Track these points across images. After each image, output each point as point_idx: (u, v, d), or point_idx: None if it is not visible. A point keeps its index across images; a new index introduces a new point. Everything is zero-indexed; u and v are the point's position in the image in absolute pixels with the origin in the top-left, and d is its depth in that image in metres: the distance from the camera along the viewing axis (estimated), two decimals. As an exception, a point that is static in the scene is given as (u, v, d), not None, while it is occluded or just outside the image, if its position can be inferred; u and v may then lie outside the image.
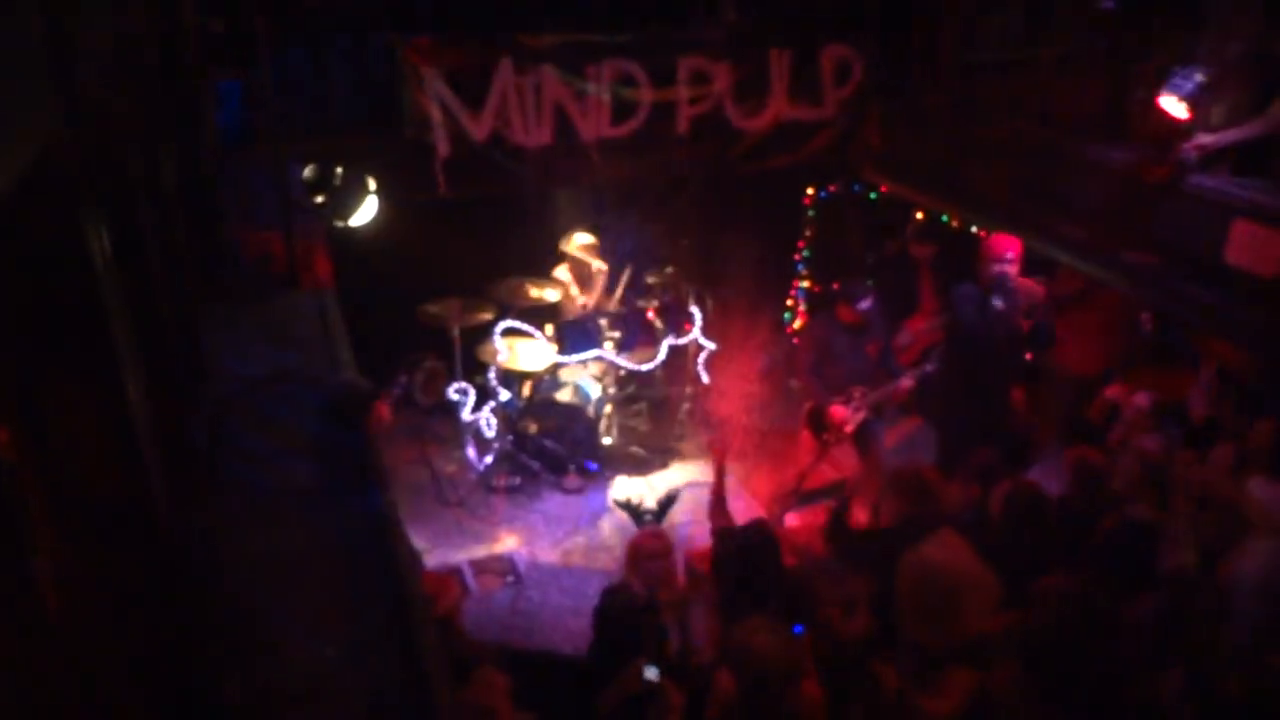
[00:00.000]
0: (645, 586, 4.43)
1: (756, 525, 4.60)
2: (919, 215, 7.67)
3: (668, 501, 4.73)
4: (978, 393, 6.16)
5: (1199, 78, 4.82)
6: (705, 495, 6.99)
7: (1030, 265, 7.78)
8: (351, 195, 5.55)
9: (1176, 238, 4.95)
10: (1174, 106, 4.93)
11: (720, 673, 3.65)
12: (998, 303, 5.97)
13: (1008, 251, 5.98)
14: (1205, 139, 4.82)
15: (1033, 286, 6.53)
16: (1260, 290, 4.45)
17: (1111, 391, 6.14)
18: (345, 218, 5.69)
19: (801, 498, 6.73)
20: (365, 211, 5.78)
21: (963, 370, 6.21)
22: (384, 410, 3.75)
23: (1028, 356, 7.58)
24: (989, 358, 6.11)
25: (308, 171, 5.47)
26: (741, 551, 4.32)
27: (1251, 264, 4.48)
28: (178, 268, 3.55)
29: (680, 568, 6.09)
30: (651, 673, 3.49)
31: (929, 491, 4.43)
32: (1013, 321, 6.15)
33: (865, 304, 6.34)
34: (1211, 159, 4.87)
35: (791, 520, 6.61)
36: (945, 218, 7.30)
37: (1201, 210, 4.78)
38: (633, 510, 4.74)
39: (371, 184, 5.75)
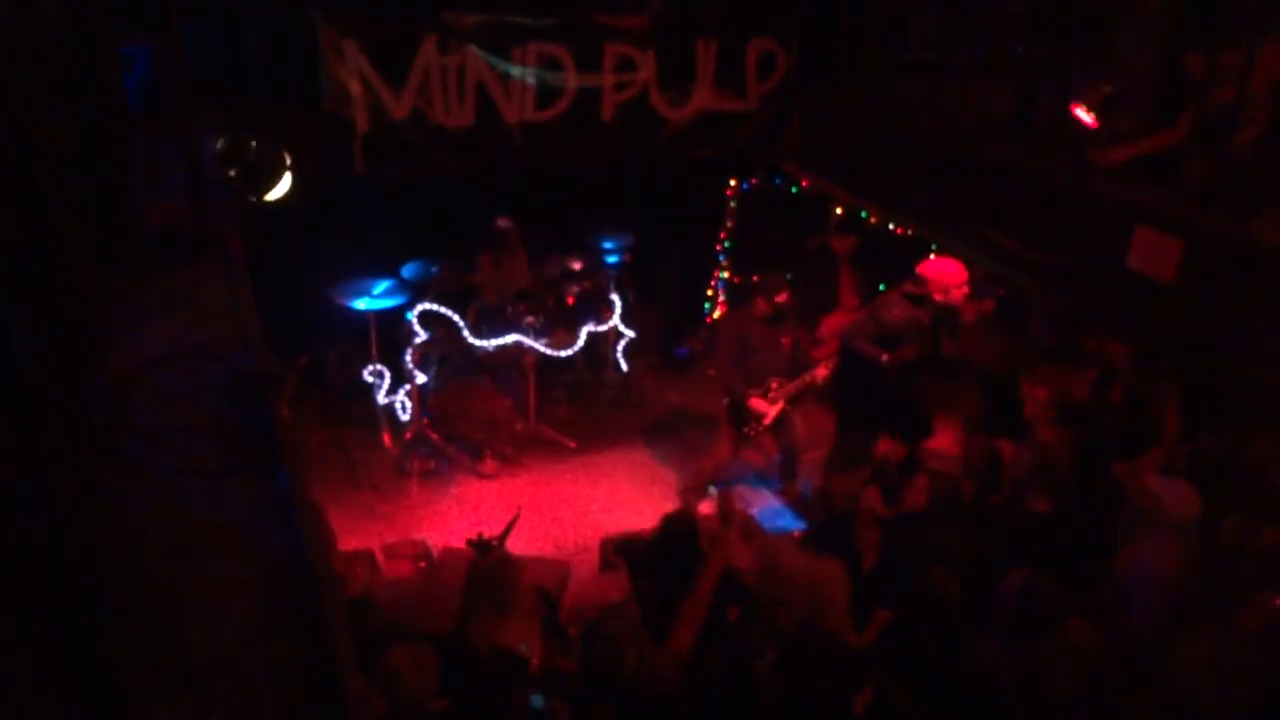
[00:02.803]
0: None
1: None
2: (839, 210, 7.80)
3: (505, 531, 4.64)
4: (870, 388, 6.28)
5: (1107, 88, 4.99)
6: (622, 484, 7.08)
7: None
8: (266, 169, 5.39)
9: (1082, 241, 5.12)
10: (1082, 114, 5.09)
11: None
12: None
13: (954, 279, 6.15)
14: (1114, 151, 4.98)
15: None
16: (1158, 293, 4.63)
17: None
18: (258, 192, 5.53)
19: (717, 486, 6.80)
20: (280, 186, 5.63)
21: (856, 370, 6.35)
22: (282, 410, 3.63)
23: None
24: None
25: (220, 143, 5.29)
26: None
27: (1151, 268, 4.65)
28: (78, 238, 3.42)
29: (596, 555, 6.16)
30: (537, 700, 3.50)
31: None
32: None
33: (782, 297, 6.42)
34: (1118, 167, 5.04)
35: (706, 508, 6.68)
36: (864, 213, 7.43)
37: (1106, 215, 4.95)
38: (479, 546, 4.66)
39: (287, 158, 5.60)
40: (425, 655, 3.65)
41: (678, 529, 4.73)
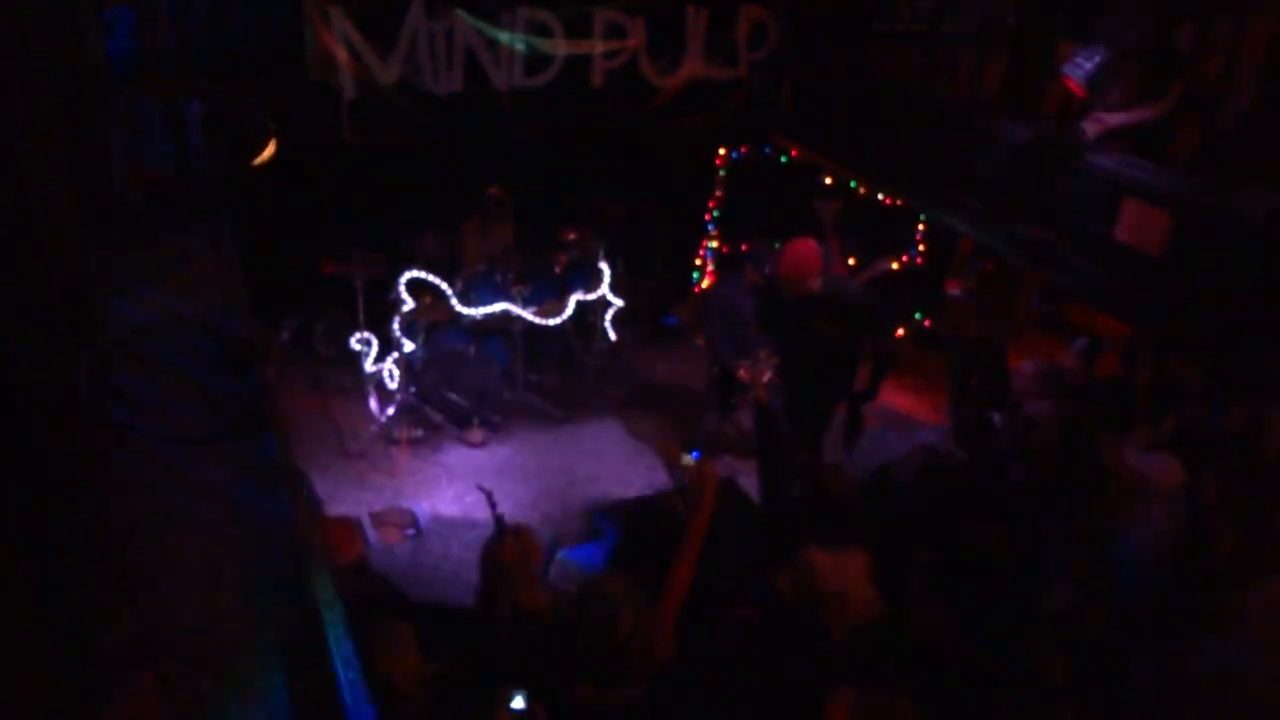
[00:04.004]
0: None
1: None
2: (827, 180, 7.79)
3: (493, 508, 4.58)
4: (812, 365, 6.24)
5: (1098, 59, 4.98)
6: (608, 453, 7.09)
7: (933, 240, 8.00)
8: (251, 136, 5.35)
9: (1071, 213, 5.13)
10: (1073, 86, 5.09)
11: None
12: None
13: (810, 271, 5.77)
14: (1104, 118, 4.98)
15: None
16: (1145, 267, 4.65)
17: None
18: (244, 159, 5.49)
19: (695, 455, 6.82)
20: (265, 154, 5.59)
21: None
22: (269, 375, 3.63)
23: (926, 324, 7.82)
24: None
25: (205, 109, 5.24)
26: None
27: (1139, 241, 4.66)
28: (62, 207, 3.39)
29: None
30: (518, 701, 3.49)
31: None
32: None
33: (770, 267, 6.41)
34: (1107, 139, 5.04)
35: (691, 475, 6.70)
36: (853, 183, 7.42)
37: (1095, 188, 4.95)
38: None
39: (272, 125, 5.55)
40: (399, 630, 3.65)
41: (652, 512, 4.72)
